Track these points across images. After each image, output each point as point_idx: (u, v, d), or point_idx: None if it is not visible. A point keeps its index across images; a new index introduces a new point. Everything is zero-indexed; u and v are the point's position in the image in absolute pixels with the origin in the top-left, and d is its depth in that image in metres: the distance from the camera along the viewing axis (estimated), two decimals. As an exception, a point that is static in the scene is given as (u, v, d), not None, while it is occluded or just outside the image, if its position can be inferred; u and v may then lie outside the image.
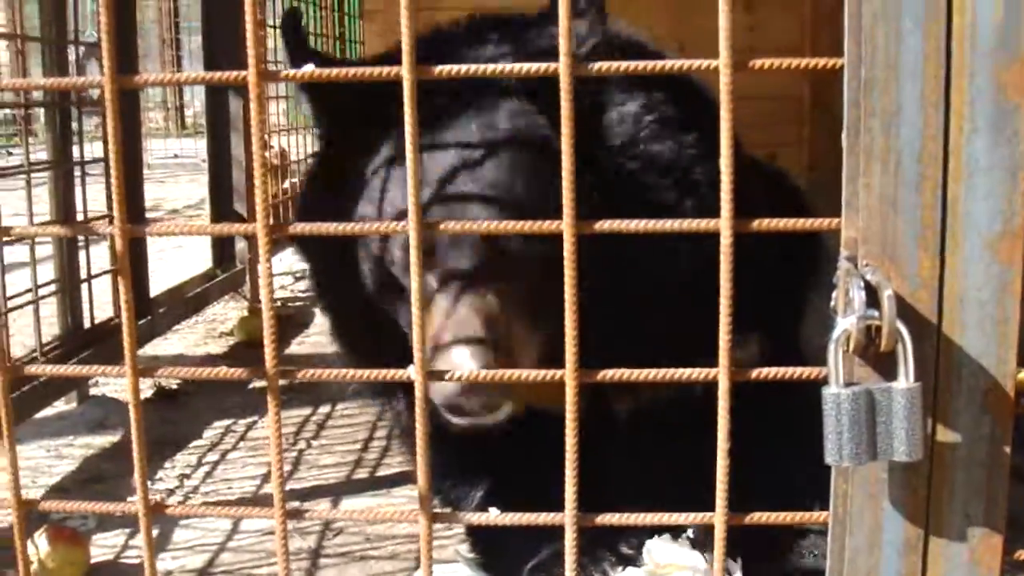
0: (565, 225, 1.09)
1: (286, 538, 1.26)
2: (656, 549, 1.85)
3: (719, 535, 1.17)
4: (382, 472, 2.77)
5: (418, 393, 1.15)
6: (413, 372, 1.14)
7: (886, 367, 1.08)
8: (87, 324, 3.37)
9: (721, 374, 1.12)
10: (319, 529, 2.38)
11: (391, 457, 2.84)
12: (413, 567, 2.17)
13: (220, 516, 1.55)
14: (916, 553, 1.17)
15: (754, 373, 1.13)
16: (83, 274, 3.35)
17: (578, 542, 1.20)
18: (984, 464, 1.14)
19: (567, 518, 1.18)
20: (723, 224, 1.08)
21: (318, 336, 4.37)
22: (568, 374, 1.12)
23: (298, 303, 5.01)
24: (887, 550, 1.17)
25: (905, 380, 1.05)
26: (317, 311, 4.77)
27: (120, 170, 1.17)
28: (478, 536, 2.15)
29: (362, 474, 2.78)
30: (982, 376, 1.12)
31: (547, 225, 1.11)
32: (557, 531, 1.19)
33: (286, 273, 5.63)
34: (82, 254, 3.35)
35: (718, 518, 1.17)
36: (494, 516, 1.27)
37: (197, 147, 10.81)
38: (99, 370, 1.33)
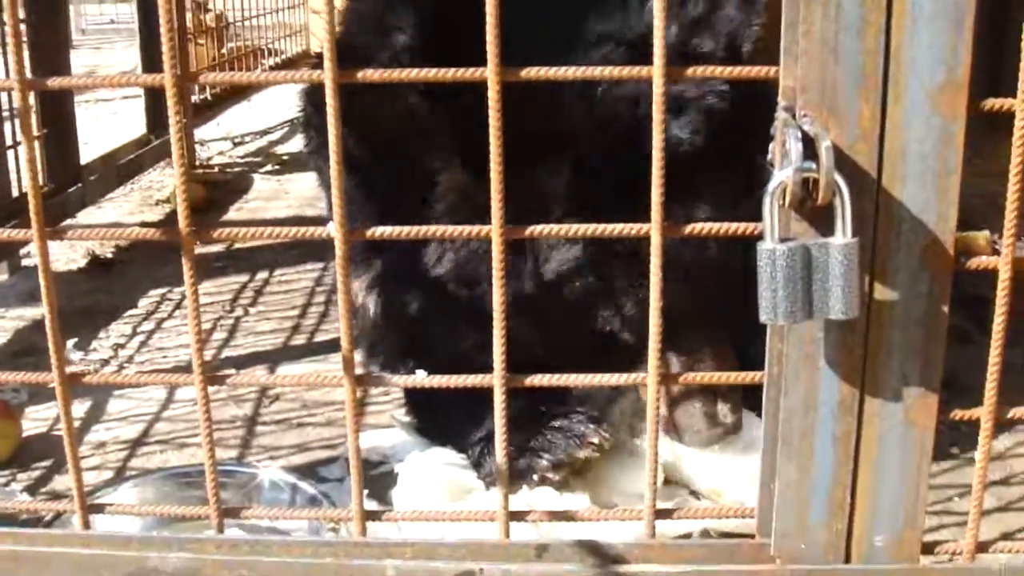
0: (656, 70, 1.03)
1: (208, 403, 1.23)
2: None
3: (651, 393, 1.15)
4: (320, 338, 2.73)
5: (338, 251, 1.10)
6: (332, 229, 1.09)
7: (823, 222, 1.04)
8: (15, 193, 3.27)
9: (653, 229, 1.07)
10: (255, 396, 2.34)
11: (329, 323, 2.80)
12: (350, 433, 2.15)
13: (141, 384, 1.50)
14: (851, 414, 1.15)
15: (687, 229, 1.09)
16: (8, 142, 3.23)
17: (508, 405, 1.17)
18: (922, 323, 1.12)
19: (495, 379, 1.15)
20: (656, 72, 1.03)
21: (257, 202, 4.30)
22: (495, 231, 1.08)
23: (236, 169, 4.91)
24: (822, 411, 1.15)
25: (842, 235, 1.01)
26: (256, 177, 4.70)
27: (14, 14, 1.09)
28: (415, 402, 2.13)
29: (300, 340, 2.74)
30: (921, 232, 1.08)
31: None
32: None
33: (224, 138, 5.51)
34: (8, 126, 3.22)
35: (651, 378, 1.14)
36: (421, 379, 1.24)
37: (134, 12, 10.52)
38: (3, 234, 1.27)
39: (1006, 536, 1.64)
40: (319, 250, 3.20)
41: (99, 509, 1.35)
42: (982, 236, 3.04)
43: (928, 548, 1.24)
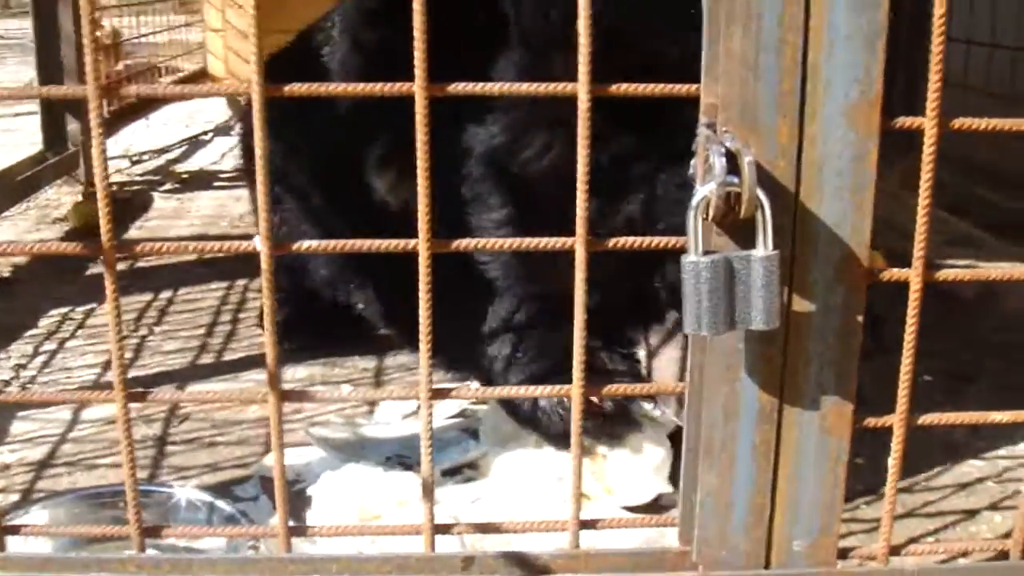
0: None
1: (128, 422, 1.21)
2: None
3: (576, 405, 1.16)
4: (228, 357, 2.70)
5: (264, 264, 1.10)
6: (258, 243, 1.09)
7: (744, 235, 1.07)
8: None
9: (578, 243, 1.09)
10: (164, 416, 2.31)
11: (237, 342, 2.77)
12: (262, 452, 2.12)
13: (59, 402, 1.47)
14: (771, 422, 1.18)
15: (611, 243, 1.11)
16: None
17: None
18: (837, 334, 1.16)
19: (421, 392, 1.15)
20: (580, 88, 1.05)
21: (158, 220, 4.24)
22: (421, 244, 1.09)
23: (135, 187, 4.84)
24: (743, 420, 1.17)
25: (764, 248, 1.04)
26: (156, 195, 4.63)
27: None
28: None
29: (207, 359, 2.70)
30: (837, 245, 1.12)
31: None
32: None
33: (123, 156, 5.42)
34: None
35: (575, 389, 1.15)
36: (352, 392, 1.24)
37: (23, 27, 10.25)
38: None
39: (913, 541, 1.69)
40: (224, 269, 3.17)
41: (15, 530, 1.32)
42: (878, 255, 3.12)
43: (843, 553, 1.27)
